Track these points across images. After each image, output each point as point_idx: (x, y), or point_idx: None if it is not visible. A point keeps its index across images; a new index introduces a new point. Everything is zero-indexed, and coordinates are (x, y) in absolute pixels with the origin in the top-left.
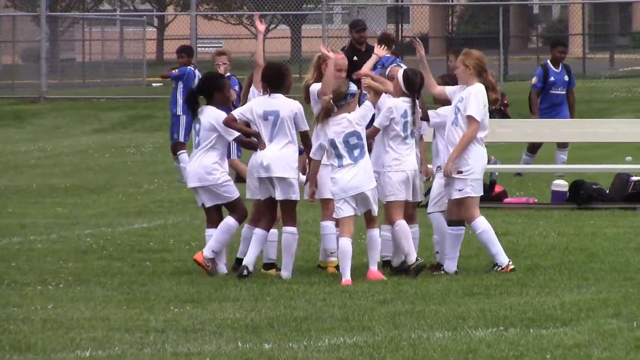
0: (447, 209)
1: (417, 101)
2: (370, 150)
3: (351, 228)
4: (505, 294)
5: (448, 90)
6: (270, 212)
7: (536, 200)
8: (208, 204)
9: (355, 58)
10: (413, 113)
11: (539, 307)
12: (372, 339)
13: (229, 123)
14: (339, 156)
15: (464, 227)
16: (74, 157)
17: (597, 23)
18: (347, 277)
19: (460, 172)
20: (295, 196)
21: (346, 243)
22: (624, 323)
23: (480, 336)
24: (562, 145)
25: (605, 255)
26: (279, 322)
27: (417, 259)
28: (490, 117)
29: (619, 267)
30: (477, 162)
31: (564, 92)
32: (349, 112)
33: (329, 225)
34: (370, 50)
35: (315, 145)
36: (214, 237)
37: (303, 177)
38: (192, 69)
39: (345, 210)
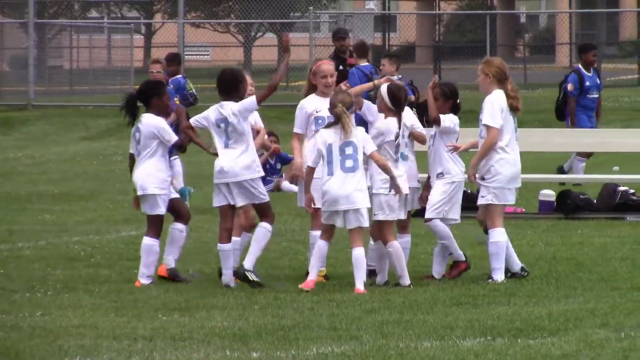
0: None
1: (402, 117)
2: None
3: (330, 234)
4: (493, 304)
5: (448, 122)
6: (230, 219)
7: (524, 210)
8: (148, 212)
9: (340, 67)
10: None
11: (527, 317)
12: (359, 348)
13: (185, 130)
14: (330, 162)
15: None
16: (62, 164)
17: (584, 32)
18: (311, 278)
19: (483, 179)
20: (263, 197)
21: (322, 245)
22: (612, 333)
23: (468, 346)
24: (582, 155)
25: (592, 265)
26: (267, 330)
27: (409, 285)
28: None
29: (606, 277)
30: (502, 169)
31: (597, 96)
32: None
33: (318, 235)
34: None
35: (313, 153)
36: (146, 261)
37: (291, 186)
38: (183, 78)
39: (327, 220)
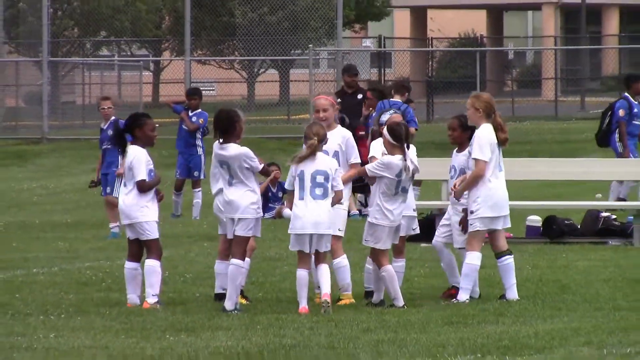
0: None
1: (406, 152)
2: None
3: (306, 261)
4: (482, 323)
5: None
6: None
7: (512, 235)
8: (132, 237)
9: (339, 100)
10: (405, 167)
11: (515, 336)
12: None
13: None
14: (302, 189)
15: (510, 256)
16: (75, 194)
17: (569, 68)
18: (303, 305)
19: (472, 212)
20: (248, 232)
21: (302, 274)
22: (595, 351)
23: None
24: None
25: (577, 287)
26: (269, 349)
27: (403, 306)
28: None
29: (589, 298)
30: (485, 201)
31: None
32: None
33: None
34: (356, 93)
35: (289, 178)
36: (149, 282)
37: (290, 212)
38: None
39: (295, 245)
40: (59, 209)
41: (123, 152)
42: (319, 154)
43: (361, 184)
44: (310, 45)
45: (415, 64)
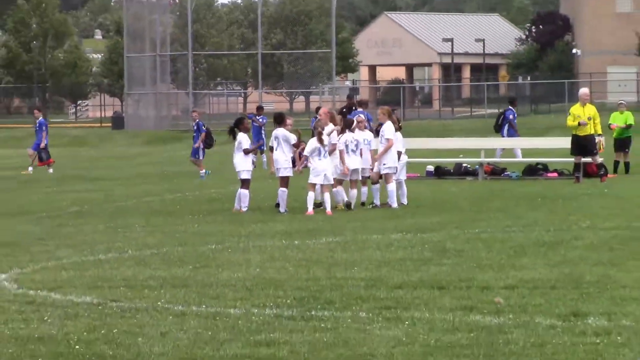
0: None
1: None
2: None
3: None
4: (402, 218)
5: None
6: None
7: (419, 174)
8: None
9: (344, 110)
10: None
11: (418, 222)
12: (343, 239)
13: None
14: (319, 154)
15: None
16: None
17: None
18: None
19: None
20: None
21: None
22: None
23: (397, 238)
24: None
25: (450, 200)
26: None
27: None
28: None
29: (457, 206)
30: (391, 158)
31: None
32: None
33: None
34: (348, 106)
35: (313, 149)
36: (243, 200)
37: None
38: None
39: (316, 180)
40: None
41: (234, 136)
42: (320, 139)
43: None
44: (320, 84)
45: (370, 93)
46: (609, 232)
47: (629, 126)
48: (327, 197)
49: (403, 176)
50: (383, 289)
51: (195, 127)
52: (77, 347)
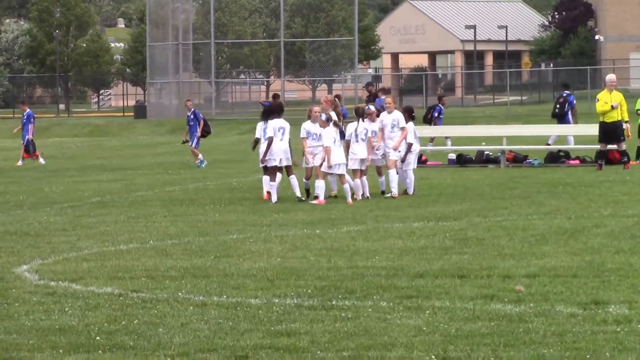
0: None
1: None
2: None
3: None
4: (423, 206)
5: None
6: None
7: (441, 162)
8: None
9: (368, 98)
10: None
11: (439, 211)
12: (365, 227)
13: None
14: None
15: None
16: (229, 146)
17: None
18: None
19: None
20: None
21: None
22: (482, 218)
23: (418, 226)
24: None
25: (471, 187)
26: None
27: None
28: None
29: (478, 193)
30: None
31: None
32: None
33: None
34: (372, 94)
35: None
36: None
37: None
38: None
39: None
40: (221, 153)
41: (266, 120)
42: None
43: None
44: (342, 72)
45: (393, 80)
46: (630, 219)
47: None
48: (347, 187)
49: (413, 166)
50: (404, 278)
51: (192, 116)
52: (97, 338)
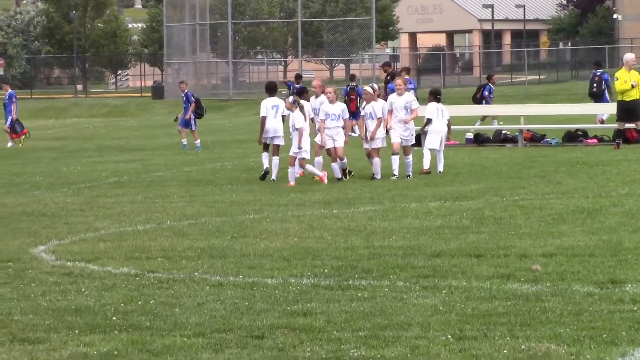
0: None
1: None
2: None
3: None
4: (441, 185)
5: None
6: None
7: (458, 142)
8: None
9: (388, 78)
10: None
11: (456, 191)
12: (381, 207)
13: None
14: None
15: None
16: (247, 126)
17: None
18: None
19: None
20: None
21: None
22: (499, 198)
23: (435, 205)
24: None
25: (488, 166)
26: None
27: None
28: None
29: (496, 172)
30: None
31: None
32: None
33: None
34: (390, 74)
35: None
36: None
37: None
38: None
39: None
40: (239, 133)
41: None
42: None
43: None
44: (360, 52)
45: (410, 60)
46: None
47: None
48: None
49: (441, 147)
50: (421, 257)
51: (184, 98)
52: (114, 318)
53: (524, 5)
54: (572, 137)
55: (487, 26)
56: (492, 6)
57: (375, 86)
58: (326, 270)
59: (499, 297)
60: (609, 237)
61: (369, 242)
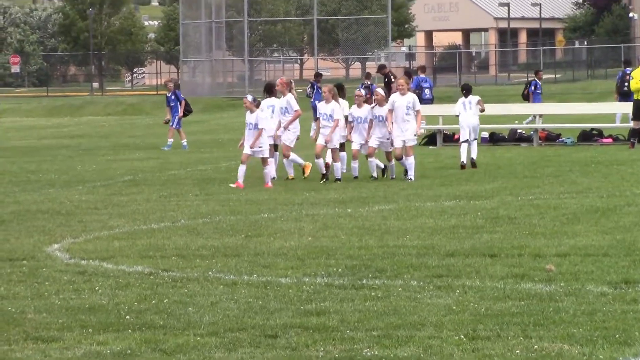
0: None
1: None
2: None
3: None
4: (455, 184)
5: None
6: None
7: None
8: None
9: (386, 80)
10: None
11: (471, 190)
12: (395, 206)
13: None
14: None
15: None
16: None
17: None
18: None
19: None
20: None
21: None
22: (513, 197)
23: (449, 205)
24: None
25: (503, 165)
26: None
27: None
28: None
29: (511, 171)
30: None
31: None
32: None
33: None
34: (386, 76)
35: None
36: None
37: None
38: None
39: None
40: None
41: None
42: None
43: None
44: (375, 50)
45: (426, 58)
46: None
47: None
48: (267, 170)
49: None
50: (435, 257)
51: (172, 97)
52: (127, 317)
53: (540, 4)
54: (587, 137)
55: (503, 24)
56: (508, 4)
57: (362, 91)
58: (340, 270)
59: (513, 297)
60: (623, 237)
61: (383, 241)
